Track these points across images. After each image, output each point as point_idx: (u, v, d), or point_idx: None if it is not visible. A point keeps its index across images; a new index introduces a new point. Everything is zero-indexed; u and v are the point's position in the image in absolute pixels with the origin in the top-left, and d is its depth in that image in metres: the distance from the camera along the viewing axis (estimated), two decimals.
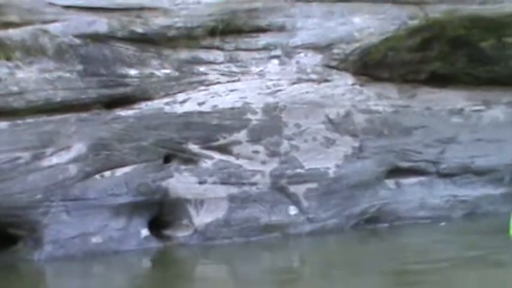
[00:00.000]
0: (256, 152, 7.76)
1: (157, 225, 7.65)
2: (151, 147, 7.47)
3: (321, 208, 7.90)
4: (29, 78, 7.16)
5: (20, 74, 7.18)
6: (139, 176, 7.42)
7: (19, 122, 7.12)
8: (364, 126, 8.20)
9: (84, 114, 7.31)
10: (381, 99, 8.36)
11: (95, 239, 7.30)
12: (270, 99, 7.83)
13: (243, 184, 7.67)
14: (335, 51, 8.13)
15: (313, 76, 8.11)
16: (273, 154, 7.76)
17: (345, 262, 6.72)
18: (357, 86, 8.16)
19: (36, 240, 7.22)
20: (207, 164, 7.65)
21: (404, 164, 8.29)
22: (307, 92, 7.99)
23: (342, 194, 8.04)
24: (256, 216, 7.72)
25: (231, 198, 7.66)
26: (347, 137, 7.99)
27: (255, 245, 7.58)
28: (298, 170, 7.85)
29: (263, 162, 7.73)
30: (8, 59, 7.22)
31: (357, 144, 8.02)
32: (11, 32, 7.16)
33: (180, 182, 7.55)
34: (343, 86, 8.11)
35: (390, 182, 8.27)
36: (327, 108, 7.96)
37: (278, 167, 7.76)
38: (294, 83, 7.96)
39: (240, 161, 7.69)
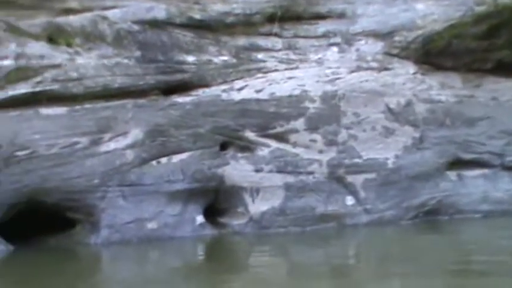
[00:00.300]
0: (314, 140, 7.65)
1: (212, 213, 7.57)
2: (208, 134, 7.41)
3: (378, 199, 7.72)
4: (88, 64, 7.16)
5: (79, 60, 7.16)
6: (196, 163, 7.36)
7: (77, 107, 7.13)
8: (425, 116, 8.03)
9: (141, 100, 7.26)
10: (443, 88, 8.17)
11: (150, 225, 7.24)
12: (329, 87, 7.68)
13: (300, 173, 7.55)
14: (396, 38, 7.94)
15: (374, 64, 7.94)
16: (331, 143, 7.64)
17: (402, 255, 6.52)
18: (419, 75, 7.95)
19: (93, 224, 7.20)
20: (263, 152, 7.54)
21: (467, 156, 8.03)
22: (366, 81, 7.82)
23: (400, 185, 7.88)
24: (312, 205, 7.61)
25: (287, 187, 7.55)
26: (407, 127, 7.79)
27: (310, 235, 7.44)
28: (356, 160, 7.71)
29: (320, 151, 7.61)
30: (68, 45, 7.31)
31: (417, 135, 7.82)
32: (71, 18, 7.14)
33: (236, 170, 7.47)
34: (404, 74, 7.93)
35: (452, 174, 7.98)
36: (387, 97, 7.77)
37: (335, 156, 7.63)
38: (353, 71, 7.81)
39: (297, 150, 7.57)
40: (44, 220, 7.30)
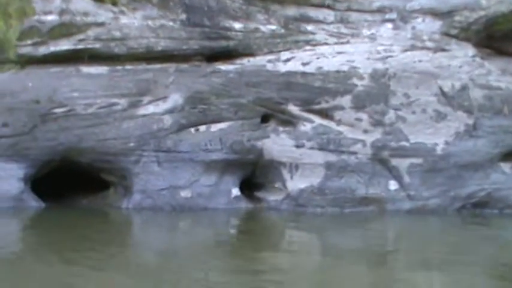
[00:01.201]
0: (359, 119, 7.51)
1: (248, 186, 7.59)
2: (250, 105, 7.36)
3: (423, 186, 7.57)
4: (131, 24, 7.21)
5: (123, 20, 7.22)
6: (235, 134, 7.35)
7: (119, 67, 7.20)
8: (481, 102, 7.75)
9: (183, 65, 7.29)
10: (504, 75, 7.88)
11: (183, 193, 7.28)
12: (379, 65, 7.54)
13: (342, 152, 7.46)
14: (457, 18, 7.70)
15: (429, 44, 7.72)
16: (377, 123, 7.50)
17: (444, 247, 6.33)
18: (478, 59, 7.76)
19: (126, 188, 7.32)
20: (306, 127, 7.47)
21: None
22: (420, 61, 7.63)
23: (448, 173, 7.66)
24: (353, 187, 7.50)
25: (328, 166, 7.48)
26: (460, 113, 7.60)
27: (349, 217, 7.35)
28: (403, 143, 7.54)
29: (365, 131, 7.49)
30: (114, 3, 7.31)
31: (471, 121, 7.63)
32: None
33: (276, 144, 7.42)
34: (462, 57, 7.72)
35: (505, 166, 7.77)
36: (441, 79, 7.59)
37: (381, 137, 7.49)
38: (407, 50, 7.64)
39: (341, 128, 7.48)
40: (78, 180, 7.51)
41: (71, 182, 7.43)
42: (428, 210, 7.52)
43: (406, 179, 7.52)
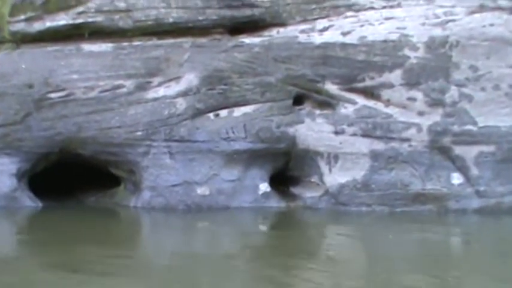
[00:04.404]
0: (413, 99, 7.12)
1: (279, 181, 7.29)
2: (279, 85, 7.07)
3: (497, 180, 7.13)
4: None
5: None
6: (262, 119, 7.06)
7: (124, 44, 6.97)
8: None
9: (200, 40, 7.03)
10: None
11: (200, 190, 6.99)
12: (438, 32, 7.10)
13: (392, 139, 7.10)
14: None
15: (503, 3, 7.17)
16: (435, 104, 7.11)
17: None
18: None
19: (134, 184, 7.13)
20: (347, 110, 7.14)
21: None
22: (491, 25, 7.13)
23: None
24: (406, 181, 7.12)
25: (374, 156, 7.12)
26: None
27: (401, 218, 6.96)
28: (469, 127, 7.12)
29: (420, 113, 7.10)
30: None
31: None
32: None
33: (312, 130, 7.11)
34: None
35: None
36: None
37: (441, 120, 7.12)
38: (473, 12, 7.15)
39: (390, 110, 7.11)
40: (85, 176, 7.30)
41: (75, 179, 7.28)
42: (503, 210, 7.10)
43: (474, 171, 7.12)
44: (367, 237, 6.48)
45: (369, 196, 7.11)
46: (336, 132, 7.09)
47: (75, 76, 6.86)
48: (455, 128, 7.09)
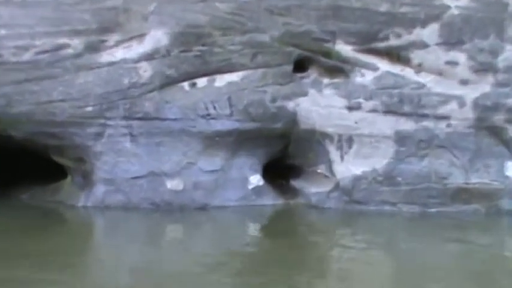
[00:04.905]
0: (453, 63, 6.45)
1: (275, 172, 6.64)
2: (275, 45, 6.39)
3: None
4: None
5: None
6: (252, 91, 6.33)
7: None
8: None
9: None
10: None
11: (171, 184, 6.23)
12: None
13: (424, 117, 6.41)
14: None
15: None
16: (484, 69, 6.44)
17: None
18: None
19: (84, 176, 6.40)
20: (364, 78, 6.43)
21: None
22: None
23: None
24: (443, 172, 6.45)
25: (401, 139, 6.40)
26: None
27: (436, 222, 6.28)
28: None
29: (463, 83, 6.44)
30: None
31: None
32: None
33: (318, 105, 6.38)
34: None
35: None
36: None
37: (491, 92, 6.44)
38: None
39: (422, 78, 6.46)
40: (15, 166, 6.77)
41: (5, 169, 6.57)
42: None
43: None
44: (391, 247, 5.89)
45: (394, 192, 6.49)
46: (350, 108, 6.40)
47: (2, 32, 6.09)
48: (511, 102, 6.53)
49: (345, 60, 6.50)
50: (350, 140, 6.45)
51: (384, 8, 6.40)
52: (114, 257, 5.42)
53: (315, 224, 6.40)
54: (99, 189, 6.25)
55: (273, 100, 6.37)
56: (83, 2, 6.19)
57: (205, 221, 6.19)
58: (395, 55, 6.46)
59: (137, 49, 6.21)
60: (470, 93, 6.48)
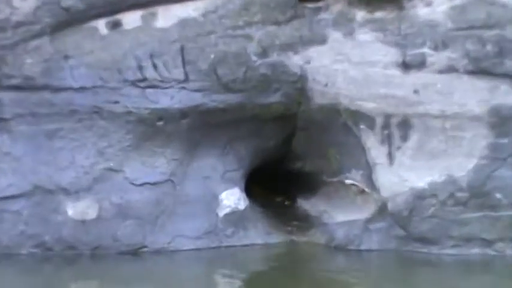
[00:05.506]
0: None
1: (271, 184, 4.69)
2: None
3: None
4: None
5: None
6: (223, 35, 4.32)
7: None
8: None
9: None
10: None
11: (74, 210, 4.13)
12: None
13: None
14: None
15: None
16: None
17: None
18: None
19: None
20: (432, 8, 4.34)
21: None
22: None
23: None
24: None
25: (500, 122, 4.23)
26: None
27: None
28: None
29: None
30: None
31: None
32: None
33: (345, 61, 4.29)
34: None
35: None
36: None
37: None
38: None
39: None
40: None
41: None
42: None
43: None
44: None
45: (488, 220, 4.26)
46: (406, 66, 4.20)
47: None
48: None
49: None
50: (406, 125, 4.38)
51: None
52: None
53: (341, 283, 4.30)
54: None
55: (263, 53, 4.35)
56: None
57: (138, 279, 4.03)
58: None
59: None
60: None
